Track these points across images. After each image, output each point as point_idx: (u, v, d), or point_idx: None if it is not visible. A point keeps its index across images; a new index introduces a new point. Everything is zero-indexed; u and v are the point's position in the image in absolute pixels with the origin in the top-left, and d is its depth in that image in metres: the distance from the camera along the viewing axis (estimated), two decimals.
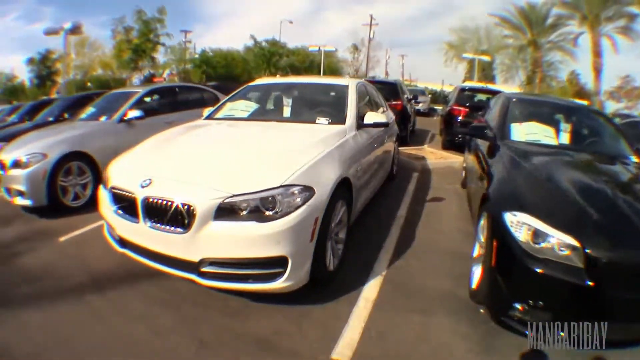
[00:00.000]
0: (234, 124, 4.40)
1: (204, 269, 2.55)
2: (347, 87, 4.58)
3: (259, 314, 2.83)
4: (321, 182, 2.73)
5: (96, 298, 3.13)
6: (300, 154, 2.95)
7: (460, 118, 10.34)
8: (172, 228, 2.55)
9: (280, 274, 2.53)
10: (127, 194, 2.77)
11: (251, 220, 2.45)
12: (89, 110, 6.80)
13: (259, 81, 5.47)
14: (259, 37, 39.79)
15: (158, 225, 2.60)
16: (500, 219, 2.50)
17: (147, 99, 6.86)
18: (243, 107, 4.77)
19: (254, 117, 4.55)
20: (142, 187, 2.65)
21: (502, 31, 36.21)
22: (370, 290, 3.15)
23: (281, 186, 2.52)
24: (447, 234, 4.51)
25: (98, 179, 5.25)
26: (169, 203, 2.54)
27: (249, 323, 2.73)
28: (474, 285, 2.93)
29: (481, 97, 11.59)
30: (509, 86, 33.18)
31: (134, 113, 6.02)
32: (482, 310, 2.73)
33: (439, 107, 25.57)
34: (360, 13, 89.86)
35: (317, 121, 3.95)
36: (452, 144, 10.36)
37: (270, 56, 39.68)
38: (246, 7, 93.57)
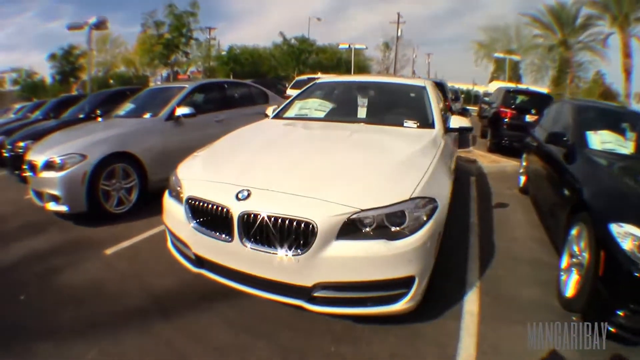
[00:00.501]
0: (316, 125, 4.10)
1: (316, 294, 2.27)
2: (424, 88, 4.41)
3: (368, 336, 2.58)
4: (441, 194, 2.53)
5: (164, 325, 2.66)
6: (413, 162, 2.75)
7: (506, 120, 10.25)
8: (284, 250, 2.21)
9: (404, 295, 2.30)
10: (214, 206, 2.39)
11: (379, 238, 2.19)
12: (127, 106, 6.28)
13: (326, 78, 5.26)
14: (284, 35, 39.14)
15: (263, 246, 2.26)
16: (607, 230, 2.53)
17: (194, 96, 6.28)
18: (317, 106, 4.48)
19: (332, 117, 4.20)
20: (239, 199, 2.30)
21: (532, 31, 36.26)
22: (471, 303, 3.04)
23: (410, 199, 2.28)
24: (522, 242, 4.44)
25: (144, 182, 4.87)
26: (282, 220, 2.19)
27: (362, 348, 2.47)
28: (568, 294, 2.92)
29: (523, 98, 11.70)
30: (539, 86, 32.93)
31: (183, 110, 5.44)
32: (574, 318, 2.77)
33: (471, 108, 24.78)
34: (384, 11, 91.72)
35: (405, 124, 3.74)
36: (498, 147, 10.25)
37: (300, 53, 39.24)
38: (268, 5, 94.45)
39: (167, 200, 2.89)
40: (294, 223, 2.16)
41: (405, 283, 2.27)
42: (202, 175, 2.75)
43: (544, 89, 30.31)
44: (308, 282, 2.23)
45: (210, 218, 2.43)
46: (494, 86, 26.65)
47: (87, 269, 3.55)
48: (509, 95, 11.52)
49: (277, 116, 4.37)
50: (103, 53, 43.13)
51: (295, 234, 2.18)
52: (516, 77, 39.04)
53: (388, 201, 2.23)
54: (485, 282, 3.38)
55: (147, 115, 5.56)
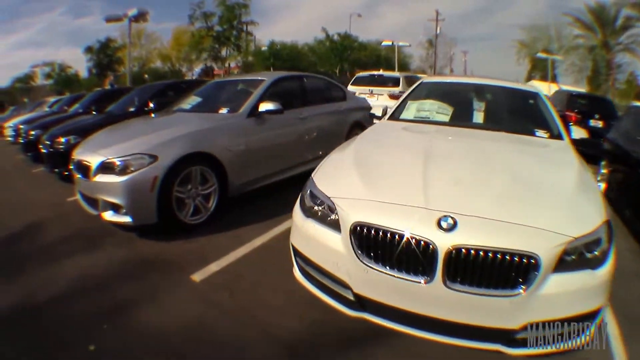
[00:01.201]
0: (450, 131, 3.69)
1: (520, 336, 1.96)
2: (538, 94, 4.28)
3: None
4: (608, 213, 2.27)
5: None
6: (582, 180, 2.56)
7: (571, 124, 9.69)
8: (497, 290, 1.87)
9: (589, 326, 2.04)
10: (403, 238, 1.93)
11: (583, 268, 1.99)
12: (193, 100, 5.49)
13: (432, 78, 5.19)
14: (320, 31, 38.87)
15: (470, 287, 1.87)
16: None
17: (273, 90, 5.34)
18: (436, 108, 4.19)
19: (457, 122, 3.88)
20: (444, 229, 1.90)
21: (572, 31, 36.29)
22: (611, 325, 2.67)
23: (603, 223, 2.09)
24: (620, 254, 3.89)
25: (224, 188, 4.15)
26: (496, 254, 1.85)
27: None
28: None
29: (585, 102, 11.41)
30: (581, 87, 32.45)
31: (268, 106, 4.62)
32: None
33: None
34: (414, 9, 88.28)
35: (536, 133, 3.60)
36: None
37: (343, 50, 38.85)
38: (298, 1, 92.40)
39: (304, 222, 2.37)
40: (513, 257, 1.85)
41: (596, 314, 2.06)
42: (369, 194, 2.23)
43: (581, 90, 30.06)
44: (513, 324, 1.93)
45: (393, 252, 1.97)
46: (533, 86, 25.29)
47: (175, 303, 2.71)
48: (572, 99, 11.21)
49: (394, 118, 4.06)
50: (138, 48, 42.51)
51: (516, 270, 1.87)
52: (552, 76, 38.22)
53: (590, 227, 2.03)
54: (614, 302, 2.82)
55: (223, 111, 4.68)
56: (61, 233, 3.99)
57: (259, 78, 5.24)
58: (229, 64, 34.49)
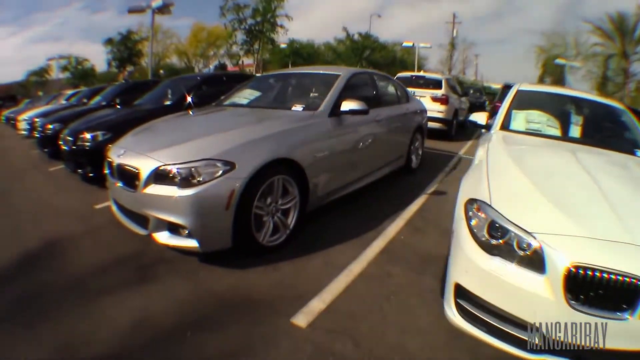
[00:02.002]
0: (569, 147, 3.42)
1: None
2: (625, 112, 4.22)
3: None
4: None
5: None
6: None
7: None
8: None
9: None
10: (621, 278, 1.77)
11: None
12: (249, 93, 4.76)
13: (528, 87, 4.79)
14: (332, 32, 38.97)
15: None
16: None
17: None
18: (545, 120, 4.01)
19: (568, 137, 3.78)
20: None
21: (589, 38, 36.69)
22: None
23: None
24: None
25: (305, 200, 3.44)
26: None
27: None
28: None
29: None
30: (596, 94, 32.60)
31: (352, 105, 3.87)
32: None
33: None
34: (425, 11, 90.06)
35: (637, 153, 3.41)
36: None
37: (363, 50, 38.80)
38: (310, 2, 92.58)
39: (488, 260, 2.01)
40: None
41: None
42: (578, 229, 1.95)
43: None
44: None
45: (605, 293, 1.79)
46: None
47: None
48: None
49: (505, 128, 3.85)
50: (154, 43, 41.74)
51: None
52: (561, 82, 39.20)
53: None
54: None
55: (297, 108, 3.88)
56: (95, 256, 3.14)
57: (333, 72, 4.50)
58: (242, 62, 34.06)
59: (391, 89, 5.88)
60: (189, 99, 6.17)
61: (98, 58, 41.88)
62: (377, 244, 3.44)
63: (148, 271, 2.85)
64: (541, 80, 43.67)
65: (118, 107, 7.05)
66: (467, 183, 2.65)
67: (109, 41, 37.86)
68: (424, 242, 3.53)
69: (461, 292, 2.14)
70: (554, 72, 38.71)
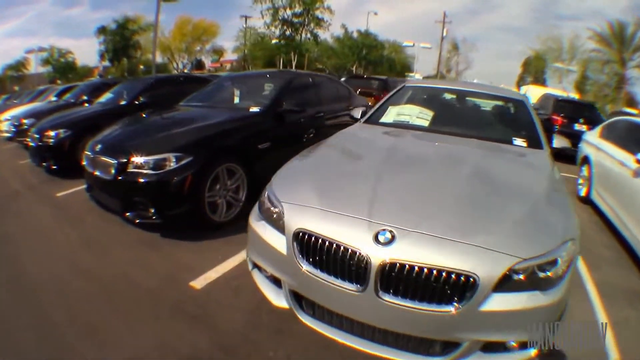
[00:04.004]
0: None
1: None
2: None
3: None
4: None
5: None
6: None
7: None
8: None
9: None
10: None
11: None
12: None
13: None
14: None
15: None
16: None
17: None
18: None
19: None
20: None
21: (585, 43, 37.86)
22: None
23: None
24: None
25: None
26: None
27: None
28: None
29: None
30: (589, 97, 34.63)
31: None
32: None
33: None
34: (402, 8, 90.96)
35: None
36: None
37: (362, 48, 38.62)
38: None
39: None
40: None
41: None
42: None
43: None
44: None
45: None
46: (530, 91, 25.80)
47: None
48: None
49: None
50: (136, 36, 38.45)
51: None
52: (541, 81, 41.10)
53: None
54: None
55: None
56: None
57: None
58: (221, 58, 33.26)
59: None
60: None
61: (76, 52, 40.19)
62: None
63: None
64: (521, 79, 45.26)
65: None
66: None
67: (101, 30, 34.92)
68: None
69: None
70: (536, 71, 40.02)
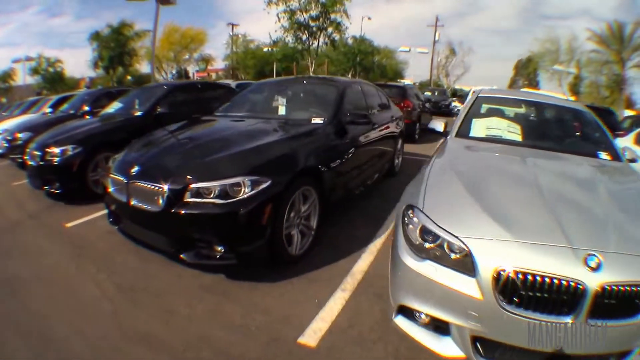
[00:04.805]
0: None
1: None
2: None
3: None
4: None
5: None
6: None
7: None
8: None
9: None
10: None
11: None
12: None
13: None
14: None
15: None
16: None
17: None
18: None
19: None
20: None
21: (583, 44, 37.96)
22: None
23: None
24: None
25: None
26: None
27: None
28: None
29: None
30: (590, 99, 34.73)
31: None
32: None
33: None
34: (385, 12, 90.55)
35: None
36: None
37: (358, 54, 38.21)
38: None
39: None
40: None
41: None
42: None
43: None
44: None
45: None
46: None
47: None
48: None
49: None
50: (131, 43, 36.03)
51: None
52: (534, 83, 41.79)
53: None
54: None
55: None
56: None
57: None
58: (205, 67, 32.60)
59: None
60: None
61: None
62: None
63: None
64: (513, 82, 46.00)
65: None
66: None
67: (95, 36, 32.98)
68: None
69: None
70: (528, 74, 40.36)
